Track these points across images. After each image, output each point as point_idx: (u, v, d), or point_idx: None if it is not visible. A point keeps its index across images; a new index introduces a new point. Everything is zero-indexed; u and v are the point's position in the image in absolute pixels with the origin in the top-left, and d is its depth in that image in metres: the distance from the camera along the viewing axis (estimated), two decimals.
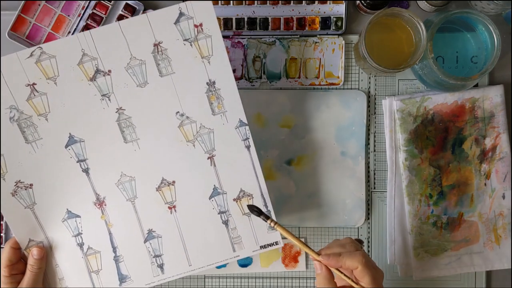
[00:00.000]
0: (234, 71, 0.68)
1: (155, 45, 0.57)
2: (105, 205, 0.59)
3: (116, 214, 0.59)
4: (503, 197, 0.68)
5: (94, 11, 0.67)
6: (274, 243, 0.60)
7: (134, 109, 0.58)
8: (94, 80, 0.57)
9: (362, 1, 0.65)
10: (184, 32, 0.57)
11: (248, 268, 0.68)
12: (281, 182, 0.68)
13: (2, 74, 0.56)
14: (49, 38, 0.67)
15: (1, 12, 0.67)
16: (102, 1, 0.67)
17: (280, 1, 0.67)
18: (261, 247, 0.60)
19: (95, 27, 0.66)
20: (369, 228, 0.69)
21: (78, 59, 0.57)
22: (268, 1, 0.67)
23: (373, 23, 0.60)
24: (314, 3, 0.67)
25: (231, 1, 0.67)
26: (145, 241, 0.59)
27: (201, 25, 0.57)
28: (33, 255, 0.57)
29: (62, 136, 0.58)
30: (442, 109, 0.67)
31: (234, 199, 0.59)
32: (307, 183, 0.68)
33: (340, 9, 0.67)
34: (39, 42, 0.67)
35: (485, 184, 0.68)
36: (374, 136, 0.69)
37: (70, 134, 0.58)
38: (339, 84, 0.68)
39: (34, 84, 0.57)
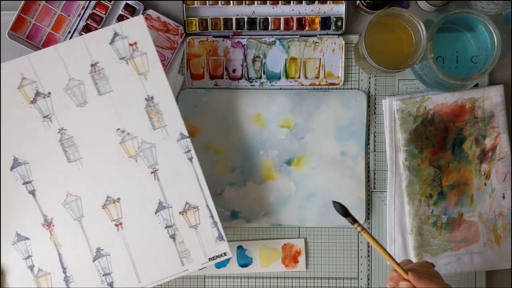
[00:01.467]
0: (234, 71, 0.68)
1: (92, 65, 0.59)
2: (53, 225, 0.59)
3: (64, 235, 0.59)
4: (503, 197, 0.68)
5: (94, 11, 0.67)
6: (223, 254, 0.60)
7: (76, 128, 0.59)
8: (35, 102, 0.59)
9: (362, 1, 0.65)
10: (120, 51, 0.59)
11: (248, 268, 0.68)
12: (281, 182, 0.68)
13: None
14: (49, 38, 0.67)
15: (1, 12, 0.67)
16: (102, 1, 0.67)
17: (280, 1, 0.67)
18: (210, 259, 0.60)
19: (95, 27, 0.67)
20: (369, 228, 0.69)
21: (18, 83, 0.59)
22: (268, 1, 0.67)
23: (373, 23, 0.60)
24: (314, 3, 0.67)
25: (231, 1, 0.67)
26: (94, 260, 0.59)
27: (135, 43, 0.59)
28: None
29: (6, 159, 0.59)
30: (442, 109, 0.67)
31: (180, 212, 0.60)
32: (307, 183, 0.68)
33: (340, 9, 0.67)
34: (39, 42, 0.67)
35: (485, 184, 0.68)
36: (374, 136, 0.69)
37: (14, 156, 0.59)
38: (339, 84, 0.68)
39: None
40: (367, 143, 0.69)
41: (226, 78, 0.68)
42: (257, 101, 0.68)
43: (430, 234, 0.67)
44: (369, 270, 0.69)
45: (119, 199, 0.59)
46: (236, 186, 0.68)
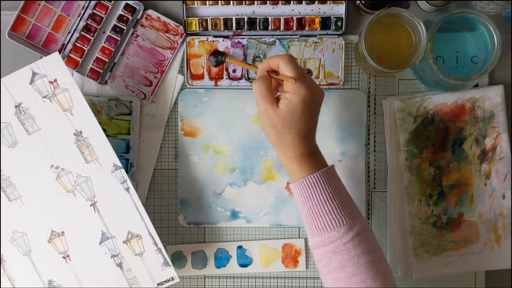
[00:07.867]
0: (234, 71, 0.68)
1: (16, 106, 0.60)
2: (5, 261, 0.61)
3: (16, 269, 0.61)
4: (503, 197, 0.68)
5: (94, 11, 0.67)
6: (170, 279, 0.62)
7: (10, 168, 0.61)
8: None
9: (362, 1, 0.65)
10: (41, 89, 0.60)
11: (248, 268, 0.68)
12: (281, 182, 0.68)
13: None
14: (49, 38, 0.67)
15: (1, 12, 0.67)
16: (102, 1, 0.67)
17: (280, 1, 0.67)
18: (158, 284, 0.62)
19: (95, 27, 0.66)
20: None
21: None
22: (268, 1, 0.67)
23: (373, 23, 0.60)
24: (314, 3, 0.67)
25: (231, 1, 0.67)
26: None
27: (55, 80, 0.60)
28: None
29: None
30: (442, 109, 0.67)
31: (123, 242, 0.61)
32: None
33: (340, 9, 0.67)
34: (39, 42, 0.67)
35: (485, 184, 0.68)
36: (374, 136, 0.69)
37: None
38: (339, 84, 0.68)
39: None
40: (367, 143, 0.69)
41: (226, 78, 0.68)
42: None
43: (430, 234, 0.67)
44: None
45: (63, 232, 0.61)
46: (236, 186, 0.68)
